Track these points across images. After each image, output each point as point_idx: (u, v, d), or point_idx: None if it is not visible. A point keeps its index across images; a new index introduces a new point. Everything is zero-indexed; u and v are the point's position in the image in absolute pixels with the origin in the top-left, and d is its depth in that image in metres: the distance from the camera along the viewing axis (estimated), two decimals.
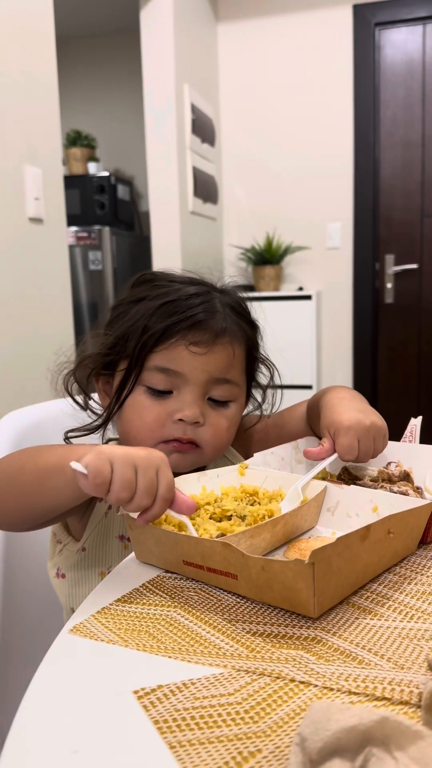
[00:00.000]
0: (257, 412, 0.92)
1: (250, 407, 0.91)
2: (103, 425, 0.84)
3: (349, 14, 3.27)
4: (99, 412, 0.87)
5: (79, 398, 0.85)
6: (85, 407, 0.86)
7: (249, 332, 0.85)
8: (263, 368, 0.90)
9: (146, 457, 0.59)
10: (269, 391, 0.91)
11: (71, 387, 0.85)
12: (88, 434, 0.85)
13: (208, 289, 0.83)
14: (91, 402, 0.87)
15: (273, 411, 0.93)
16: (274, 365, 0.91)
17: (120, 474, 0.56)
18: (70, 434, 0.85)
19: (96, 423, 0.84)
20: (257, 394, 0.91)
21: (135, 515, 0.63)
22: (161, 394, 0.79)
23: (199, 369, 0.78)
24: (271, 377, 0.90)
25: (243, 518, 0.67)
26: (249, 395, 0.90)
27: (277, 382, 0.91)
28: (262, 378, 0.90)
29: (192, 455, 0.80)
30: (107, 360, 0.82)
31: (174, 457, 0.78)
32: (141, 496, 0.58)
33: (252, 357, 0.87)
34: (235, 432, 0.85)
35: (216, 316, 0.80)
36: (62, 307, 1.96)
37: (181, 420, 0.78)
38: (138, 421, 0.79)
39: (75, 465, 0.56)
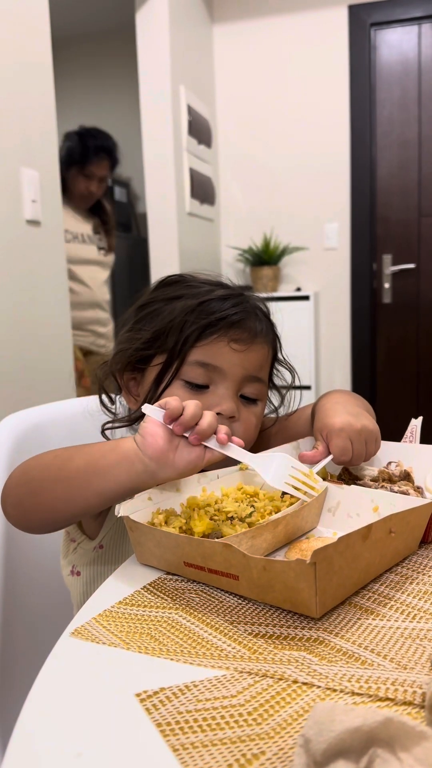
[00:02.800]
0: (273, 415, 0.94)
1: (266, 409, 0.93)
2: (142, 417, 0.85)
3: (344, 15, 3.28)
4: (112, 409, 0.90)
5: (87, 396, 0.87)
6: (113, 401, 0.89)
7: (275, 336, 0.89)
8: (283, 371, 0.93)
9: None
10: (286, 394, 0.93)
11: (104, 382, 0.88)
12: (127, 426, 0.87)
13: (238, 292, 0.87)
14: (99, 400, 0.90)
15: (288, 413, 0.95)
16: (293, 368, 0.93)
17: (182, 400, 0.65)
18: (107, 426, 0.88)
19: (136, 414, 0.86)
20: (272, 396, 0.93)
21: (135, 517, 0.63)
22: (198, 388, 0.81)
23: (238, 365, 0.81)
24: (293, 379, 0.93)
25: (243, 519, 0.67)
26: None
27: (297, 384, 0.93)
28: (277, 380, 0.93)
29: None
30: (143, 355, 0.84)
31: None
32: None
33: (275, 360, 0.90)
34: (259, 430, 0.87)
35: (251, 317, 0.84)
36: (60, 309, 1.96)
37: (218, 414, 0.79)
38: None
39: (148, 407, 0.65)
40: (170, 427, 0.64)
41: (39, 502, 0.70)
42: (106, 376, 0.87)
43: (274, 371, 0.92)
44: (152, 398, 0.82)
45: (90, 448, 0.69)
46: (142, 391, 0.85)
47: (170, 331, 0.81)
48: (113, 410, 0.90)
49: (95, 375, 0.89)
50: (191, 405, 0.64)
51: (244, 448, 0.84)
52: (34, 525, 0.73)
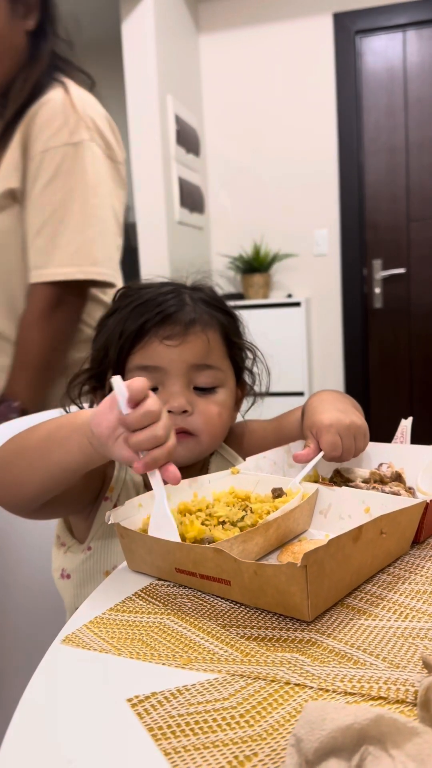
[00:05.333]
0: (251, 395, 0.94)
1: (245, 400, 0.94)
2: None
3: (329, 23, 3.30)
4: None
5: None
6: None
7: (223, 320, 0.87)
8: (249, 353, 0.92)
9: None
10: (257, 373, 0.93)
11: (75, 400, 0.89)
12: None
13: (178, 287, 0.87)
14: None
15: (264, 392, 0.95)
16: (255, 346, 0.93)
17: (153, 397, 0.59)
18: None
19: None
20: (249, 379, 0.93)
21: (125, 523, 0.63)
22: None
23: (177, 360, 0.81)
24: (254, 358, 0.92)
25: (235, 523, 0.66)
26: (242, 381, 0.92)
27: (261, 361, 0.93)
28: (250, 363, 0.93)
29: (188, 444, 0.82)
30: (96, 373, 0.86)
31: None
32: (164, 422, 0.59)
33: (232, 343, 0.89)
34: (228, 417, 0.87)
35: (185, 309, 0.83)
36: None
37: (169, 411, 0.80)
38: None
39: (117, 380, 0.58)
40: (125, 413, 0.58)
41: (6, 477, 0.70)
42: (69, 404, 0.88)
43: (245, 355, 0.91)
44: None
45: (52, 421, 0.69)
46: None
47: (110, 345, 0.83)
48: None
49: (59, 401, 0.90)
50: (139, 412, 0.58)
51: (213, 438, 0.84)
52: (4, 501, 0.73)
